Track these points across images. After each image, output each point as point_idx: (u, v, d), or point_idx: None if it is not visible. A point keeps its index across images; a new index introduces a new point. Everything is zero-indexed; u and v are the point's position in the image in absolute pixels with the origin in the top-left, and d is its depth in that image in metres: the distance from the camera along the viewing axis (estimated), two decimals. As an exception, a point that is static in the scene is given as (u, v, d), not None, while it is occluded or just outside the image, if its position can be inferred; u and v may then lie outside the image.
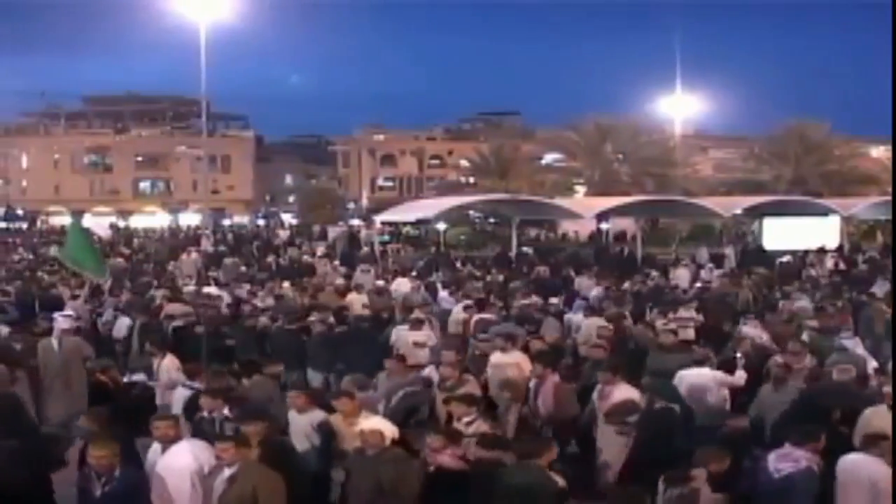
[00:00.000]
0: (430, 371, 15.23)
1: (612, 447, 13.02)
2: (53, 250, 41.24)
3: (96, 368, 17.06)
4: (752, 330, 18.90)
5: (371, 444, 10.71)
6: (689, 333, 19.62)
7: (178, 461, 10.61)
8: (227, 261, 42.09)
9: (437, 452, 11.03)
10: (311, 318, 20.34)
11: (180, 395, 14.31)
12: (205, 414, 12.47)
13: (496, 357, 16.03)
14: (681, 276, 33.24)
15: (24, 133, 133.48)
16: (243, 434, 10.97)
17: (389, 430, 10.95)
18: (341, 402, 12.48)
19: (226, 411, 12.35)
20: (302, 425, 12.37)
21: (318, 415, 12.39)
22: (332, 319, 20.45)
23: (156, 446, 11.02)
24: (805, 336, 17.89)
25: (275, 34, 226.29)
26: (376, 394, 14.47)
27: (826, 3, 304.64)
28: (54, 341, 17.31)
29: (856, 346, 16.96)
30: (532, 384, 14.94)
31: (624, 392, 13.44)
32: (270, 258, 44.27)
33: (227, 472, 10.02)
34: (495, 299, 24.40)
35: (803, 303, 23.45)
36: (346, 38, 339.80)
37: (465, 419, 12.18)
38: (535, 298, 24.20)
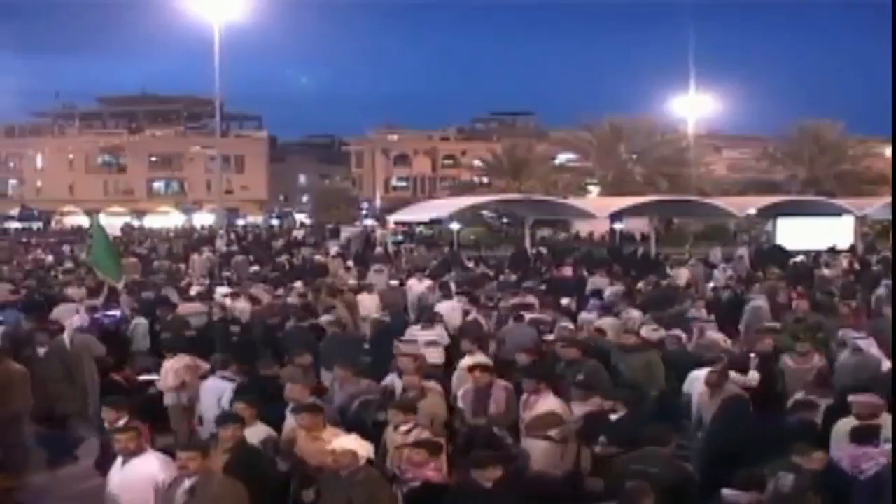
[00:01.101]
0: (391, 379, 14.62)
1: (538, 459, 12.46)
2: (83, 255, 41.23)
3: (109, 367, 17.18)
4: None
5: (343, 465, 10.10)
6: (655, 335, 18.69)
7: (137, 475, 10.09)
8: (239, 258, 42.26)
9: (420, 467, 10.86)
10: (324, 318, 20.40)
11: (215, 387, 14.26)
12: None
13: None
14: (681, 275, 33.19)
15: (39, 133, 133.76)
16: (216, 439, 10.78)
17: (364, 448, 10.33)
18: (303, 418, 11.63)
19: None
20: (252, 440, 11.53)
21: (261, 430, 11.70)
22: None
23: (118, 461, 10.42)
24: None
25: (289, 34, 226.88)
26: (332, 406, 13.43)
27: (840, 2, 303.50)
28: (66, 338, 17.53)
29: (870, 346, 16.85)
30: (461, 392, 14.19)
31: (549, 403, 12.86)
32: (283, 257, 44.33)
33: (187, 483, 9.50)
34: (485, 300, 24.44)
35: (760, 302, 23.40)
36: (360, 39, 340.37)
37: (403, 428, 11.64)
38: (531, 298, 24.04)
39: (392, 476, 10.97)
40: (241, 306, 23.60)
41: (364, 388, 13.90)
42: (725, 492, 9.61)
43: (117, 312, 21.76)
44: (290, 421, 12.05)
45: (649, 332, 18.10)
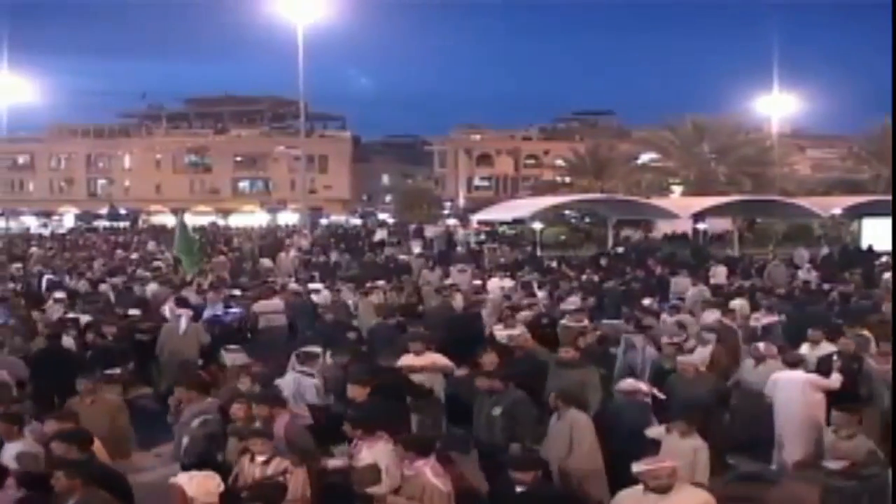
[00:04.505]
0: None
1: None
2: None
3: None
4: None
5: None
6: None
7: None
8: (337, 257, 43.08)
9: None
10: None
11: (292, 380, 14.59)
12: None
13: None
14: (719, 273, 33.37)
15: (127, 134, 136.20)
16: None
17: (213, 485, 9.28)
18: None
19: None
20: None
21: None
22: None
23: None
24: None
25: (372, 35, 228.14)
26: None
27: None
28: (182, 323, 19.22)
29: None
30: None
31: (375, 453, 10.77)
32: (367, 256, 44.75)
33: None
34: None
35: (740, 301, 23.26)
36: (442, 39, 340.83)
37: (260, 458, 10.47)
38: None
39: None
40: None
41: (205, 406, 12.77)
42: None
43: (238, 309, 22.29)
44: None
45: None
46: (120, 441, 12.84)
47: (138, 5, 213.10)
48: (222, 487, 9.23)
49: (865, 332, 17.96)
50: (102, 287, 28.51)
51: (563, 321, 19.98)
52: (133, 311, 21.96)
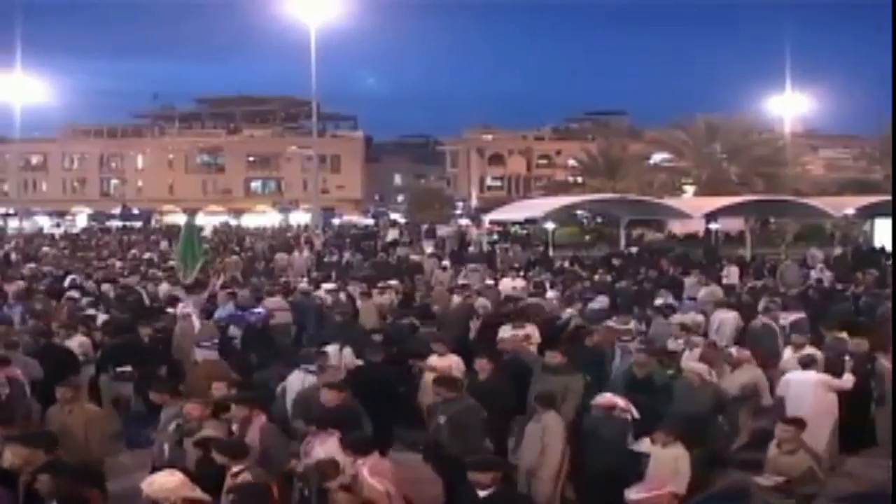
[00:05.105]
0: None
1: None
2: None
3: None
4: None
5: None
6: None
7: None
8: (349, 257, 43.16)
9: None
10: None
11: (298, 379, 14.66)
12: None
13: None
14: (732, 273, 33.49)
15: (140, 134, 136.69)
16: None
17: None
18: None
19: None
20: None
21: None
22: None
23: None
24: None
25: (384, 35, 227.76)
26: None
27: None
28: (196, 322, 19.41)
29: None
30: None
31: (328, 448, 11.10)
32: (379, 256, 44.79)
33: None
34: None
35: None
36: (454, 39, 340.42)
37: (234, 469, 10.12)
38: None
39: None
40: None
41: (180, 411, 12.39)
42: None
43: (262, 309, 22.37)
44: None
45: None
46: (102, 450, 12.62)
47: (151, 6, 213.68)
48: (189, 485, 9.19)
49: (843, 335, 18.06)
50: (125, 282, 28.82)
51: (609, 322, 19.44)
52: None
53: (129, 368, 16.74)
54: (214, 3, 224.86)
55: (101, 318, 21.01)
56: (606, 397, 13.04)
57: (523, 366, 16.09)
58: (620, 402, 12.84)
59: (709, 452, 12.42)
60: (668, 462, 11.30)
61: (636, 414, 12.70)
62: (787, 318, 20.70)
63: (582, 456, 12.41)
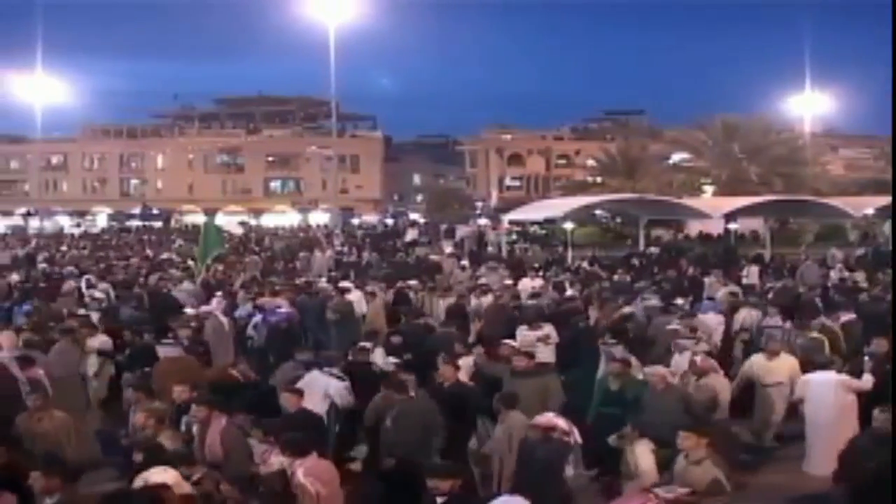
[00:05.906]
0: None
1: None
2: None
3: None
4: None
5: None
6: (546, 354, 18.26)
7: None
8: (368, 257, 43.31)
9: None
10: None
11: (324, 382, 14.62)
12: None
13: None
14: (752, 273, 33.35)
15: (159, 134, 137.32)
16: None
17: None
18: None
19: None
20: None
21: None
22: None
23: None
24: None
25: (403, 35, 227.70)
26: None
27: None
28: (223, 319, 19.99)
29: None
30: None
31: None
32: (398, 256, 44.86)
33: None
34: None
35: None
36: (472, 39, 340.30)
37: (194, 477, 10.06)
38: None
39: None
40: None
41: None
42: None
43: (286, 309, 22.41)
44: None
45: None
46: (78, 455, 12.27)
47: (170, 6, 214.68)
48: (181, 482, 9.40)
49: (818, 335, 18.12)
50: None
51: (671, 326, 19.04)
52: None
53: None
54: (234, 4, 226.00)
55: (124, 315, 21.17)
56: (547, 417, 12.11)
57: (492, 376, 15.59)
58: (562, 423, 12.00)
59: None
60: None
61: (578, 438, 12.07)
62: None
63: (515, 479, 11.98)
